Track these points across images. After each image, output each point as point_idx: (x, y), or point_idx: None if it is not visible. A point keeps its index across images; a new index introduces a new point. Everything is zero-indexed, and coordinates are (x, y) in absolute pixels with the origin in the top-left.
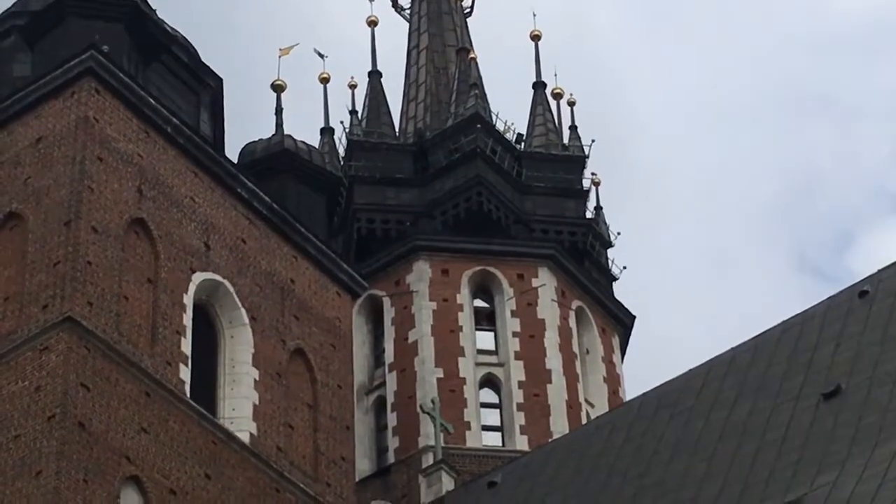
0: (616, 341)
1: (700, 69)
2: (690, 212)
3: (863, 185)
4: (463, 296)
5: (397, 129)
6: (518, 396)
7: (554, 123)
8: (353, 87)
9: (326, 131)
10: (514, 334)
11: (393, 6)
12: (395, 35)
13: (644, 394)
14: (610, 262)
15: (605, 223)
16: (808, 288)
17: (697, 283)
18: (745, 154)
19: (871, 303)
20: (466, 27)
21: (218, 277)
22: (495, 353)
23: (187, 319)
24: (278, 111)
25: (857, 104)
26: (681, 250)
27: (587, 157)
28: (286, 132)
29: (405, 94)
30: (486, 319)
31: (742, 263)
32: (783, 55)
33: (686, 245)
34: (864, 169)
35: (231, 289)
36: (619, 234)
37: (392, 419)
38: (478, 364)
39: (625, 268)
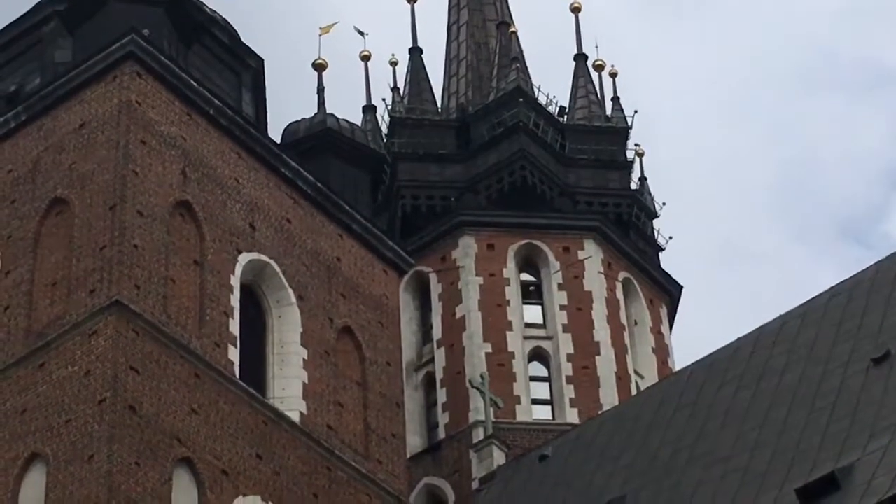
0: (664, 312)
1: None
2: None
3: None
4: (509, 270)
5: (439, 105)
6: (567, 369)
7: (596, 95)
8: (394, 64)
9: (369, 109)
10: (562, 307)
11: None
12: (435, 11)
13: (693, 363)
14: (656, 233)
15: (650, 193)
16: (851, 255)
17: (742, 249)
18: (761, 130)
19: None
20: (506, 1)
21: (264, 258)
22: (543, 326)
23: (235, 300)
24: (320, 90)
25: None
26: (725, 217)
27: (630, 128)
28: (328, 111)
29: (446, 70)
30: (533, 293)
31: (784, 231)
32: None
33: (728, 212)
34: None
35: (277, 269)
36: (664, 204)
37: (441, 395)
38: (526, 338)
39: (671, 238)
